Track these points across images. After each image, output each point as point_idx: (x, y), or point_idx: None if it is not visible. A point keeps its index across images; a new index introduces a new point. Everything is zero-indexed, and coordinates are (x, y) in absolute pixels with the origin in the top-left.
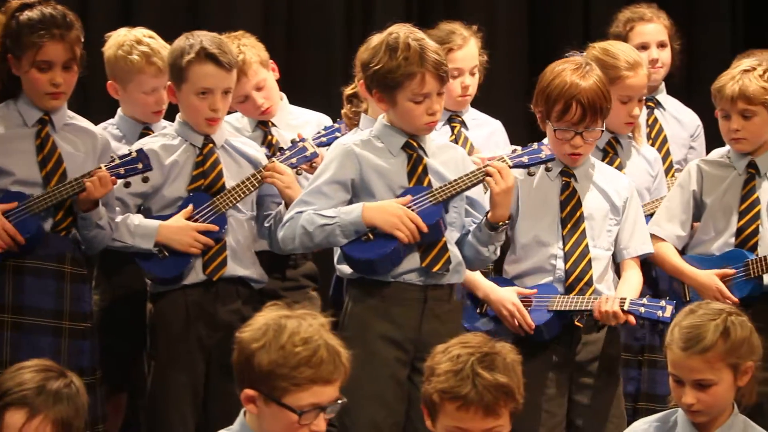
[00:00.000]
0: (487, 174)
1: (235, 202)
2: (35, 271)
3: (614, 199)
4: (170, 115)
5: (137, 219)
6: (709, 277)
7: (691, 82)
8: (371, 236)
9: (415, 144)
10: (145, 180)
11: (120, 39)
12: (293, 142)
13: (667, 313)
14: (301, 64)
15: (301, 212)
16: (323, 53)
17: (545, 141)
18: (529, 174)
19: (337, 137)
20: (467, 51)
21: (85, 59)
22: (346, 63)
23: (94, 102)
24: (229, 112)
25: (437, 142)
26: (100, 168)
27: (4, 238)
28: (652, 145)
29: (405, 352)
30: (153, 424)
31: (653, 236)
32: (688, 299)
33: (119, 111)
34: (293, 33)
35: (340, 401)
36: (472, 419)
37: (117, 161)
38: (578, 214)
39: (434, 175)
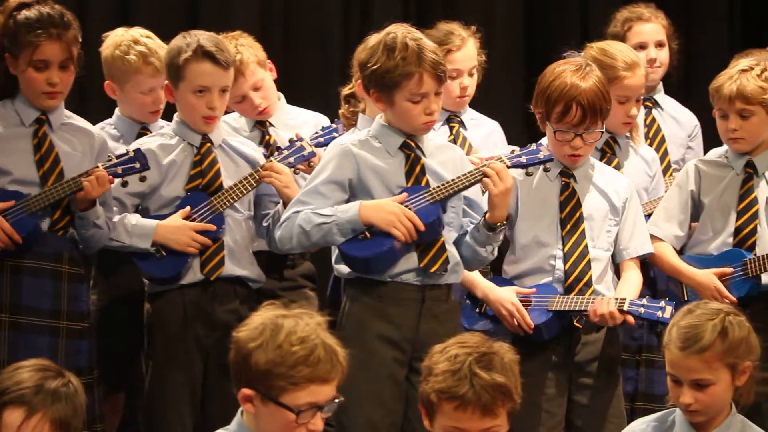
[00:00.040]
0: (485, 175)
1: (232, 201)
2: (33, 270)
3: (614, 200)
4: (168, 115)
5: (134, 219)
6: (708, 276)
7: (688, 81)
8: (368, 234)
9: (412, 144)
10: (143, 179)
11: (117, 39)
12: (291, 141)
13: (667, 314)
14: (298, 64)
15: (298, 212)
16: (321, 53)
17: (543, 141)
18: (527, 174)
19: (334, 137)
20: (466, 52)
21: (83, 59)
22: (343, 63)
23: (92, 102)
24: (226, 112)
25: (435, 142)
26: (98, 167)
27: (1, 236)
28: (650, 145)
29: (403, 352)
30: (151, 424)
31: (651, 236)
32: (686, 299)
33: (117, 111)
34: (291, 33)
35: (337, 400)
36: (469, 419)
37: (114, 160)
38: (578, 214)
39: (432, 175)
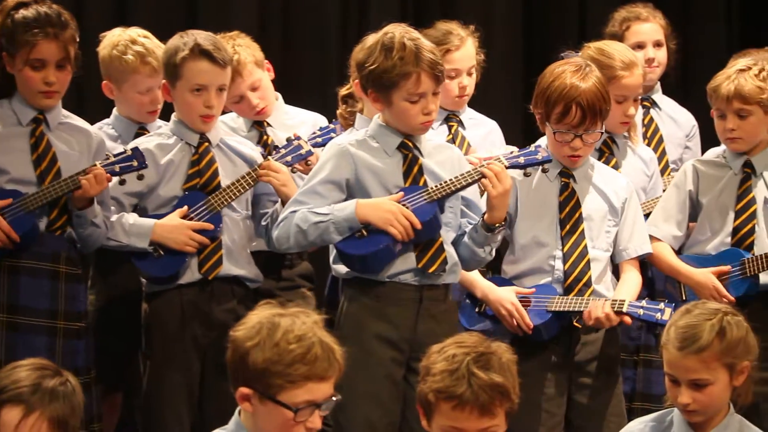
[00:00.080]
0: (484, 176)
1: (230, 200)
2: (30, 271)
3: (613, 201)
4: (165, 115)
5: (132, 218)
6: (706, 275)
7: (686, 81)
8: (365, 233)
9: (410, 144)
10: (140, 178)
11: (114, 39)
12: (288, 140)
13: (666, 316)
14: (296, 64)
15: (295, 211)
16: (319, 53)
17: (542, 142)
18: (525, 175)
19: (332, 137)
20: (464, 51)
21: (80, 59)
22: (341, 63)
23: (90, 102)
24: (224, 112)
25: (433, 142)
26: (96, 165)
27: None
28: (648, 144)
29: (400, 352)
30: (148, 423)
31: (650, 236)
32: (684, 298)
33: (114, 111)
34: (289, 33)
35: (334, 398)
36: (467, 419)
37: (112, 159)
38: (577, 214)
39: (430, 176)
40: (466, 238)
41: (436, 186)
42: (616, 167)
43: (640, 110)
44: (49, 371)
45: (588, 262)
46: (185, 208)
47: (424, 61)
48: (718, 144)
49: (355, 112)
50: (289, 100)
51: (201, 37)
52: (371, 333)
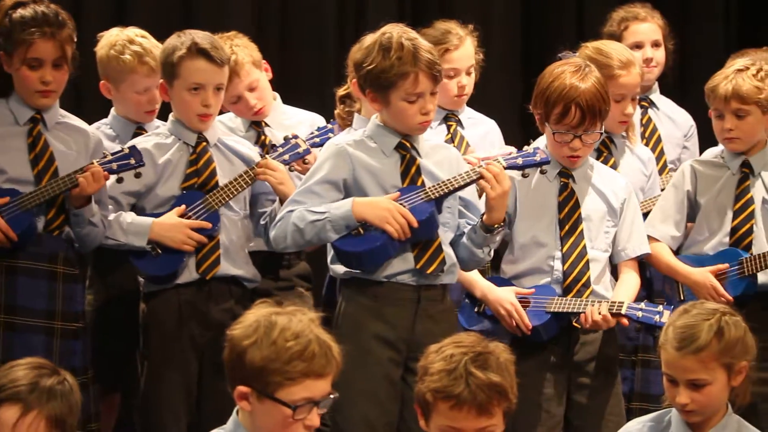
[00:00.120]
0: (482, 176)
1: (227, 199)
2: (28, 271)
3: (612, 201)
4: (163, 115)
5: (130, 217)
6: (704, 274)
7: (684, 81)
8: (361, 231)
9: (408, 144)
10: (138, 176)
11: (112, 39)
12: (286, 139)
13: (665, 318)
14: (294, 65)
15: (292, 211)
16: (316, 53)
17: (540, 143)
18: (523, 176)
19: (330, 137)
20: (463, 51)
21: (78, 59)
22: (339, 63)
23: (88, 102)
24: (222, 113)
25: (431, 143)
26: (93, 163)
27: None
28: (646, 144)
29: (398, 352)
30: (146, 423)
31: (648, 237)
32: (682, 298)
33: (112, 111)
34: (286, 33)
35: (332, 396)
36: (465, 418)
37: (109, 157)
38: (576, 215)
39: (427, 176)
40: (464, 239)
41: (433, 185)
42: (614, 167)
43: (638, 110)
44: (46, 370)
45: (587, 262)
46: (183, 206)
47: (421, 60)
48: (716, 144)
49: (353, 112)
50: (286, 100)
51: (198, 36)
52: (369, 333)
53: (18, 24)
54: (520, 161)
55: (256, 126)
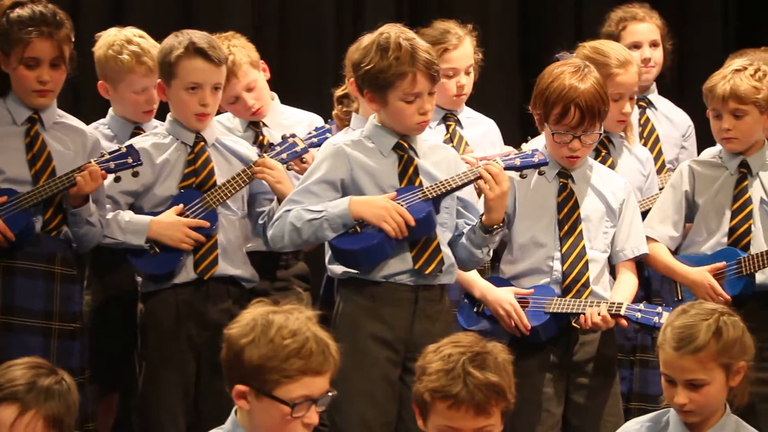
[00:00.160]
0: (480, 177)
1: (225, 198)
2: (25, 271)
3: (611, 202)
4: (161, 115)
5: (128, 215)
6: (701, 274)
7: (682, 81)
8: (358, 229)
9: (406, 145)
10: (135, 175)
11: (110, 39)
12: (284, 138)
13: (663, 320)
14: (292, 65)
15: (290, 210)
16: (315, 53)
17: (537, 142)
18: (521, 177)
19: (328, 137)
20: (462, 51)
21: (76, 59)
22: (337, 63)
23: (86, 102)
24: (220, 113)
25: (429, 143)
26: (90, 162)
27: None
28: (645, 144)
29: (396, 353)
30: (145, 423)
31: (646, 237)
32: (680, 298)
33: (110, 111)
34: (285, 33)
35: (330, 393)
36: (463, 418)
37: (107, 156)
38: (575, 215)
39: (425, 176)
40: (463, 239)
41: (431, 185)
42: (612, 167)
43: (636, 110)
44: (44, 370)
45: (586, 262)
46: (181, 205)
47: (419, 61)
48: (714, 144)
49: (351, 112)
50: (285, 100)
51: (196, 36)
52: (367, 333)
53: (15, 23)
54: (518, 162)
55: (254, 126)
